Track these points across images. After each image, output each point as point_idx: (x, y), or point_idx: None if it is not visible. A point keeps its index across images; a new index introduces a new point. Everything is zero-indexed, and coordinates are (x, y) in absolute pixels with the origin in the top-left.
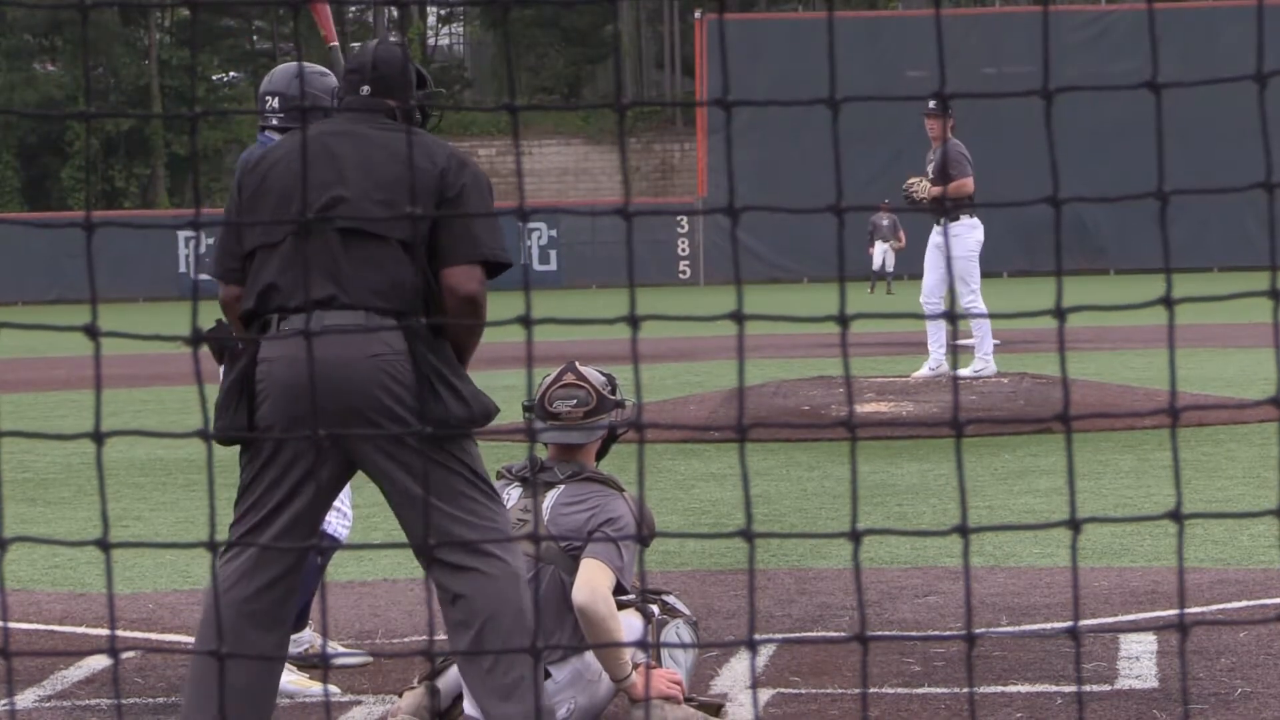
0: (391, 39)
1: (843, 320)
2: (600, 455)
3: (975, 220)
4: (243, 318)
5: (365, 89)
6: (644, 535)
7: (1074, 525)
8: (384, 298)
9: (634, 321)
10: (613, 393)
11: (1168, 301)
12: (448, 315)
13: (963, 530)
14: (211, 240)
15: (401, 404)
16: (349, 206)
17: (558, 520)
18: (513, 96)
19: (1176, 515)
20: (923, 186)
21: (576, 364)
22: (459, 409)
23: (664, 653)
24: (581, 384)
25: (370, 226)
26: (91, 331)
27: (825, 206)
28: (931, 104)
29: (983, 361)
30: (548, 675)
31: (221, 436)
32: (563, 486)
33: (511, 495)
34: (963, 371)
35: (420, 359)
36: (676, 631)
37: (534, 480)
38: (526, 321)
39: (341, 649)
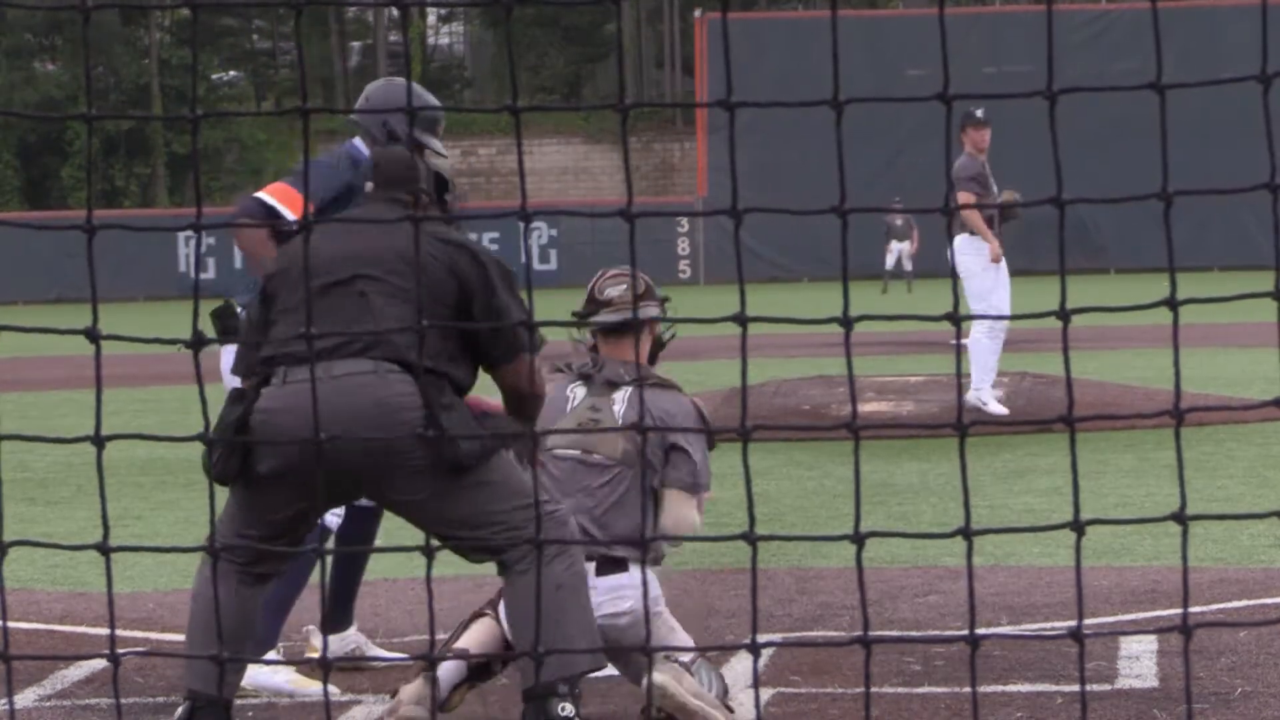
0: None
1: (846, 322)
2: (651, 361)
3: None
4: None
5: (369, 186)
6: (711, 436)
7: (1078, 527)
8: (397, 350)
9: (637, 324)
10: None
11: (1172, 303)
12: (510, 402)
13: (966, 533)
14: (213, 240)
15: (413, 448)
16: (368, 275)
17: (630, 421)
18: (515, 98)
19: (1180, 517)
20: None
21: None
22: (470, 444)
23: (700, 678)
24: (627, 273)
25: (389, 290)
26: (92, 335)
27: (829, 208)
28: (979, 113)
29: (988, 396)
30: (625, 569)
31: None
32: (629, 389)
33: (576, 393)
34: (995, 409)
35: (429, 397)
36: (703, 674)
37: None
38: (530, 324)
39: (379, 650)
